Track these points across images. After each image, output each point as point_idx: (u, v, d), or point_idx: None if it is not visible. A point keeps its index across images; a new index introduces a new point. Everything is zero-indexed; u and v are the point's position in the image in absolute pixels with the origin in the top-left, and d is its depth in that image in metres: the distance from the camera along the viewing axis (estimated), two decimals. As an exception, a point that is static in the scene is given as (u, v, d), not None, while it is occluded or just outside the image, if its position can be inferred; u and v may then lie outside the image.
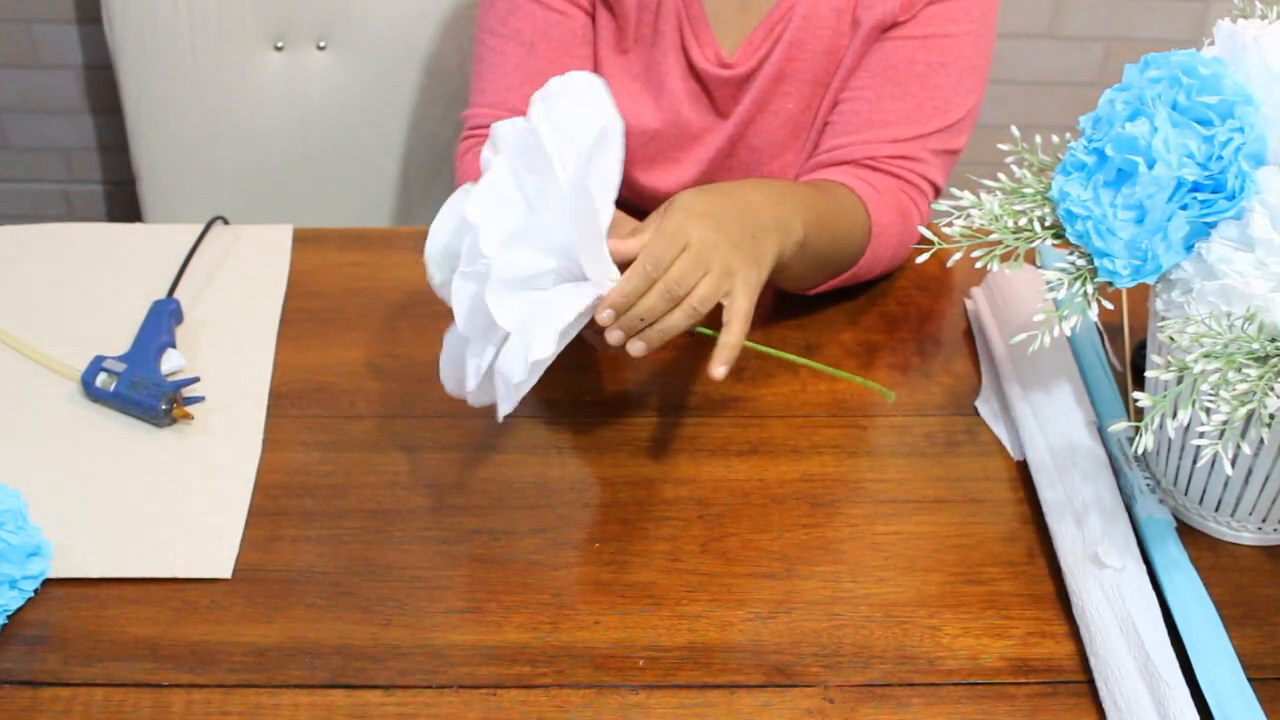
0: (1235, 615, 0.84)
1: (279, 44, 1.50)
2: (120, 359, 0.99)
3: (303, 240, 1.16)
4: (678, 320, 0.86)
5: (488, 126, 0.99)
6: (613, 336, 0.85)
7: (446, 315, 1.07)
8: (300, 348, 1.05)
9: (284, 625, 0.84)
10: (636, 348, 0.85)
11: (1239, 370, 0.73)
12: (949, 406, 1.01)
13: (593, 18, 1.14)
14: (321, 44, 1.50)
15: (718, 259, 0.87)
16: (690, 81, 1.15)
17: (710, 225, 0.88)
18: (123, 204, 2.00)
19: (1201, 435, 0.74)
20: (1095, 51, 1.90)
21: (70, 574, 0.86)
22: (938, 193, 1.12)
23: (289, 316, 1.08)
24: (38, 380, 1.01)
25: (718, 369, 0.86)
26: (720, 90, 1.15)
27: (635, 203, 1.20)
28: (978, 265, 0.84)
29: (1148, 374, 0.80)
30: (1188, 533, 0.90)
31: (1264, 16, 0.83)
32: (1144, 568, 0.85)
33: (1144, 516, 0.88)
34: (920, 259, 0.89)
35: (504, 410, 0.85)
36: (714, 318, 0.87)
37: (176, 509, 0.91)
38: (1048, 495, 0.90)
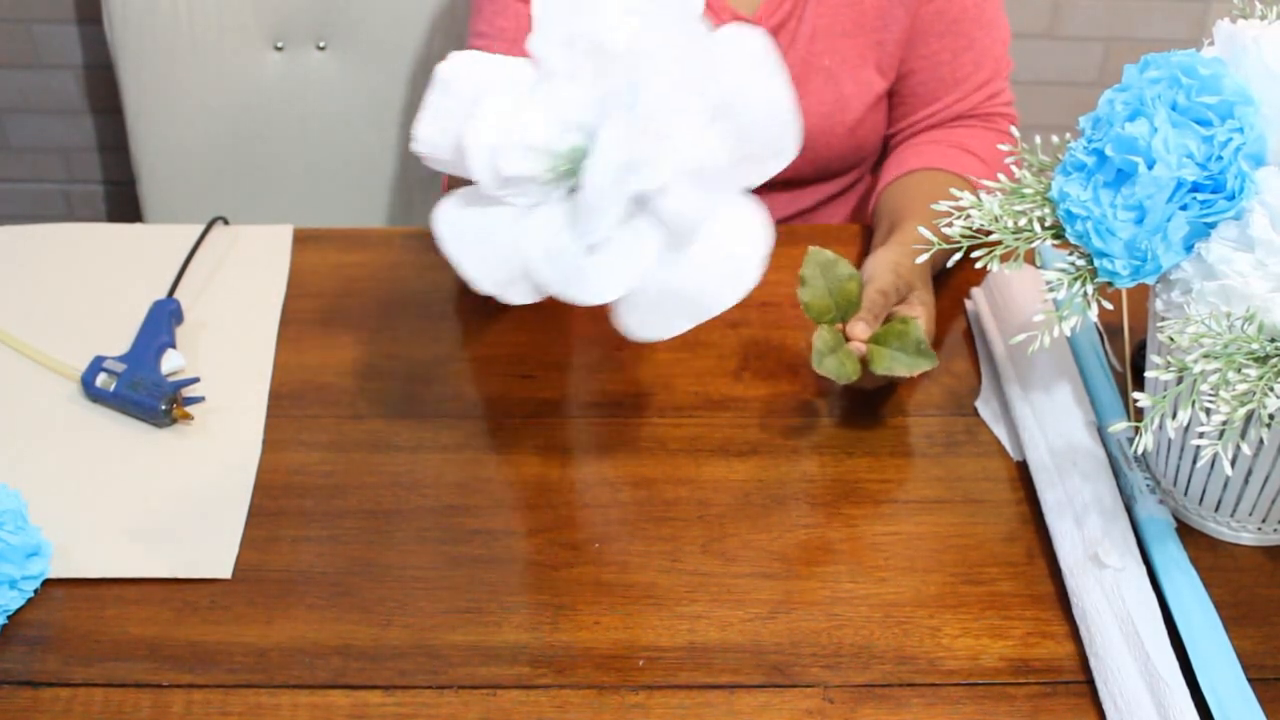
0: (1235, 615, 0.84)
1: (279, 44, 1.50)
2: (120, 359, 0.99)
3: (303, 240, 1.16)
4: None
5: None
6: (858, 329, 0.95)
7: (446, 316, 1.08)
8: (300, 348, 1.05)
9: (284, 625, 0.84)
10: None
11: (1239, 370, 0.73)
12: (949, 406, 1.01)
13: None
14: (321, 44, 1.50)
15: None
16: None
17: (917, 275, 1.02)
18: (123, 204, 2.01)
19: (1201, 435, 0.74)
20: (1095, 51, 1.90)
21: (70, 574, 0.86)
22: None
23: (289, 316, 1.08)
24: (38, 380, 1.01)
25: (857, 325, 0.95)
26: None
27: None
28: (978, 265, 0.84)
29: (1148, 374, 0.80)
30: (1188, 533, 0.90)
31: (1264, 16, 0.83)
32: (1144, 568, 0.85)
33: (1144, 516, 0.88)
34: (920, 259, 0.90)
35: (674, 332, 0.82)
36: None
37: (176, 509, 0.91)
38: (1048, 495, 0.90)
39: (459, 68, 0.82)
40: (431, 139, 0.83)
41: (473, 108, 0.80)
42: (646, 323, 0.82)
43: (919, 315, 0.96)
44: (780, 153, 0.82)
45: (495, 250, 0.83)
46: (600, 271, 0.80)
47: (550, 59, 0.81)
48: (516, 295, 0.83)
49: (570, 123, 0.80)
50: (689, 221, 0.79)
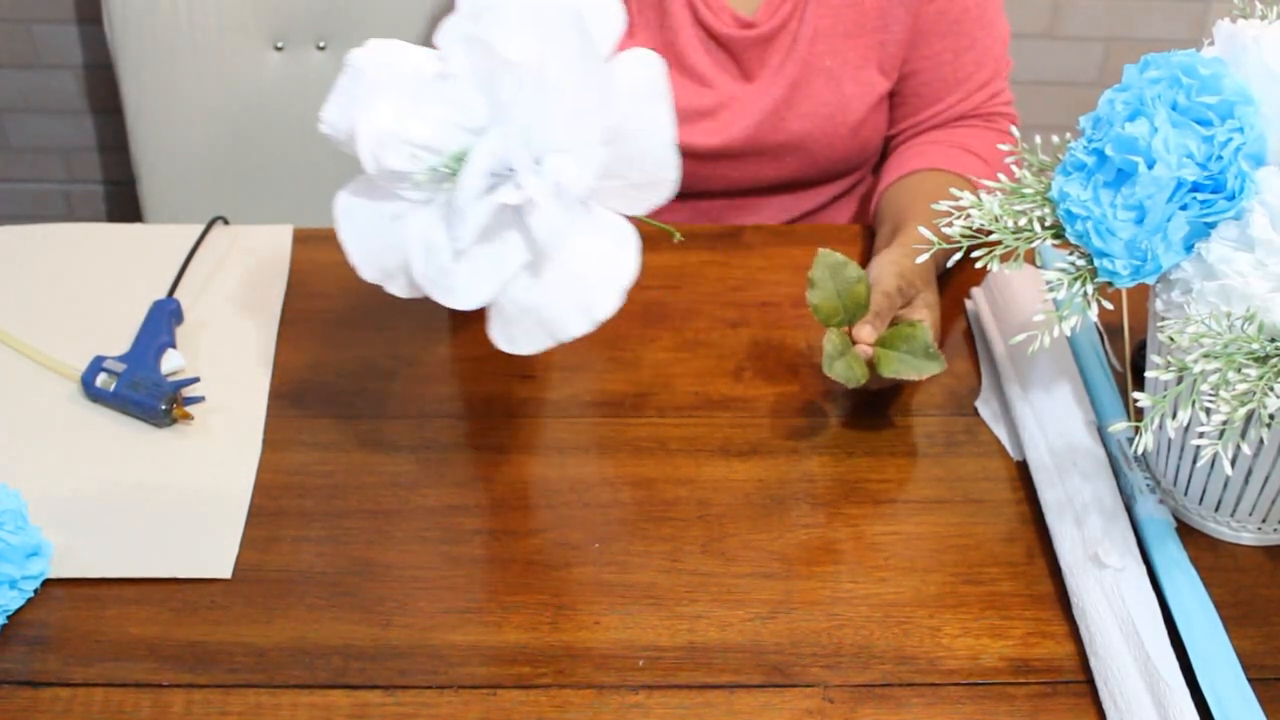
0: (1235, 615, 0.84)
1: (279, 44, 1.50)
2: (120, 359, 0.99)
3: (303, 240, 1.16)
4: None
5: None
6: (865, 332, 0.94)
7: (446, 316, 1.08)
8: (300, 348, 1.05)
9: (284, 625, 0.84)
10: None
11: (1239, 370, 0.73)
12: (949, 406, 1.01)
13: None
14: (321, 44, 1.50)
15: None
16: (714, 49, 1.17)
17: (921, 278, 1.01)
18: (123, 204, 2.01)
19: (1201, 435, 0.74)
20: (1095, 51, 1.90)
21: (70, 574, 0.86)
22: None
23: (289, 316, 1.08)
24: (38, 380, 1.01)
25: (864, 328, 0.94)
26: (747, 51, 1.17)
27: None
28: (978, 265, 0.84)
29: (1148, 374, 0.80)
30: (1188, 533, 0.90)
31: (1264, 16, 0.83)
32: (1144, 568, 0.85)
33: (1144, 516, 0.88)
34: (920, 259, 0.90)
35: (531, 350, 0.83)
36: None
37: (176, 509, 0.91)
38: (1048, 495, 0.90)
39: (371, 54, 0.83)
40: (334, 121, 0.84)
41: (371, 96, 0.81)
42: (508, 336, 0.83)
43: (924, 318, 0.96)
44: (659, 184, 0.82)
45: (382, 240, 0.84)
46: (464, 277, 0.81)
47: (451, 57, 0.81)
48: (396, 289, 0.85)
49: (460, 125, 0.80)
50: (550, 241, 0.79)
